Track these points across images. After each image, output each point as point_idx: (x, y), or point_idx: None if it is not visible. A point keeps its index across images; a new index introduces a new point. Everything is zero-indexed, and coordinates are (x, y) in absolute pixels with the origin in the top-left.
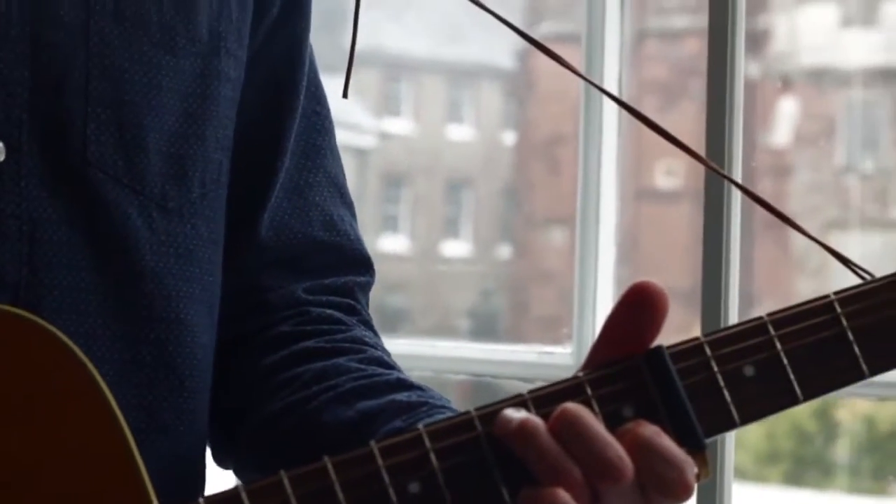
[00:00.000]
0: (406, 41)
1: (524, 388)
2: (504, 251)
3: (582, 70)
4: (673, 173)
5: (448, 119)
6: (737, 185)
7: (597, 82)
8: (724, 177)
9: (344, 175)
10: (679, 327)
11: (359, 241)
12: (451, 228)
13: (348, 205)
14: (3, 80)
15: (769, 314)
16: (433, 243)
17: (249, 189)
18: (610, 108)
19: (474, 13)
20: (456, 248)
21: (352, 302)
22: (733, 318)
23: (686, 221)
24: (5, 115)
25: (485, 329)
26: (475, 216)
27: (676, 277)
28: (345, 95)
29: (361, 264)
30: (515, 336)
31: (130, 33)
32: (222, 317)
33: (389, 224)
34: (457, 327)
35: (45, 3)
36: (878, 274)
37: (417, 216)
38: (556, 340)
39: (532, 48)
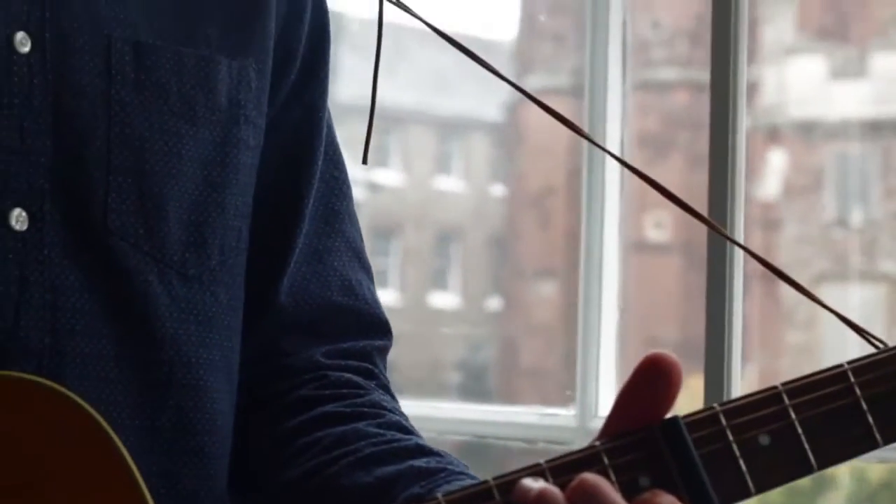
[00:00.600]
0: (395, 93)
1: (526, 448)
2: (493, 303)
3: (585, 124)
4: (662, 226)
5: (437, 170)
6: (742, 247)
7: (598, 136)
8: (729, 238)
9: (361, 238)
10: None
11: (377, 305)
12: (440, 280)
13: (366, 269)
14: (26, 149)
15: (783, 383)
16: (422, 295)
17: (269, 254)
18: (612, 161)
19: (463, 66)
20: (445, 299)
21: (370, 366)
22: (736, 373)
23: (675, 273)
24: (28, 185)
25: (474, 382)
26: (464, 268)
27: (667, 328)
28: (364, 161)
29: (379, 328)
30: (506, 390)
31: (151, 102)
32: (241, 381)
33: (379, 277)
34: (445, 380)
35: (67, 73)
36: (872, 328)
37: (407, 268)
38: (546, 395)
39: (521, 100)
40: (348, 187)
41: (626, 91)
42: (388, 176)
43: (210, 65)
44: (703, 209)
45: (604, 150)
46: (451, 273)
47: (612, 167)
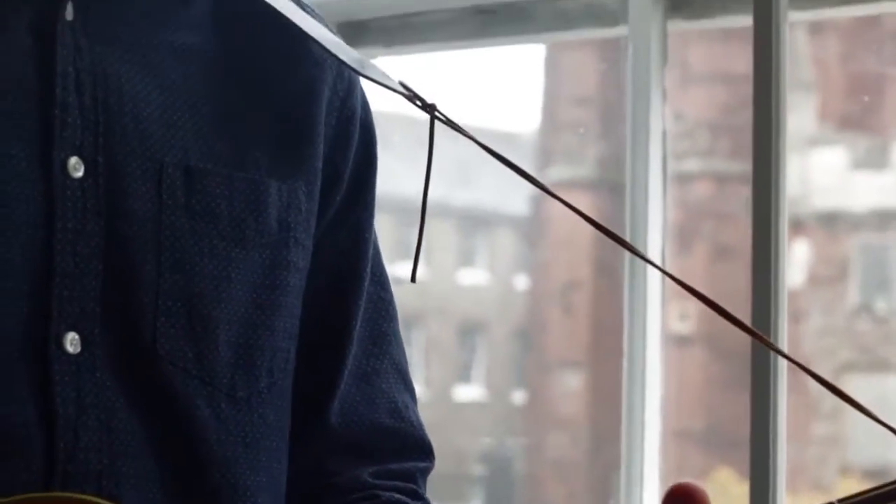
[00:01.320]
0: (418, 185)
1: None
2: (518, 396)
3: (627, 216)
4: (686, 317)
5: (460, 263)
6: (783, 355)
7: (638, 229)
8: (772, 347)
9: (406, 359)
10: (699, 469)
11: (420, 427)
12: (464, 373)
13: (410, 391)
14: (78, 273)
15: (839, 499)
16: (446, 388)
17: (318, 375)
18: (653, 251)
19: (487, 158)
20: (469, 392)
21: (414, 487)
22: (781, 478)
23: (700, 364)
24: (80, 308)
25: (500, 475)
26: (489, 360)
27: (693, 419)
28: (413, 280)
29: (423, 450)
30: (532, 483)
31: (201, 227)
32: (288, 499)
33: None
34: (470, 473)
35: (119, 197)
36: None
37: (430, 360)
38: (573, 488)
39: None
40: (394, 308)
41: (666, 184)
42: (409, 269)
43: (260, 188)
44: (732, 301)
45: (636, 252)
46: (475, 366)
47: (653, 255)
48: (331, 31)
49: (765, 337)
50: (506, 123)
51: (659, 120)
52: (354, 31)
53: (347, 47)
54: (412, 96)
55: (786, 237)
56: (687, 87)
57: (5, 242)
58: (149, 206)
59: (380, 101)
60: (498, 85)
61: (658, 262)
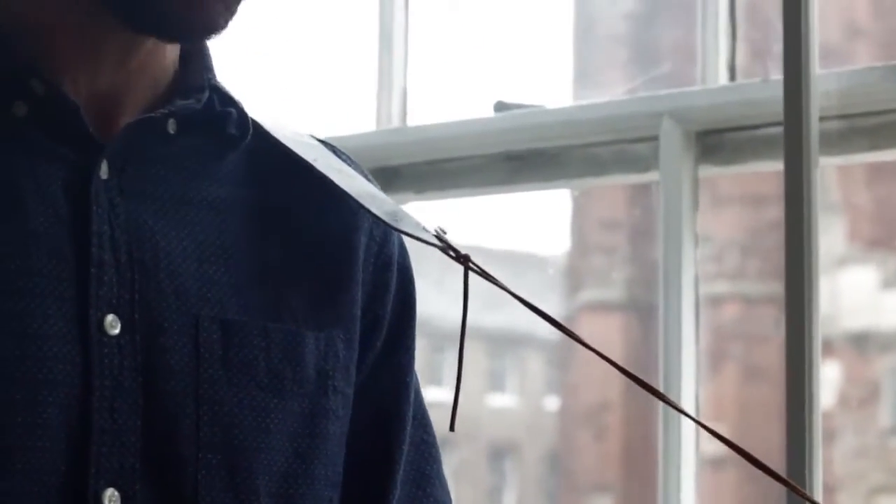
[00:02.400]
0: (446, 310)
1: None
2: None
3: (660, 341)
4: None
5: (490, 386)
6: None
7: (671, 353)
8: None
9: (450, 498)
10: None
11: None
12: (495, 497)
13: None
14: (117, 429)
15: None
16: None
17: None
18: (686, 373)
19: (515, 281)
20: None
21: None
22: None
23: (733, 486)
24: (119, 464)
25: None
26: (519, 484)
27: None
28: (451, 429)
29: None
30: None
31: (239, 379)
32: None
33: None
34: None
35: (156, 353)
36: None
37: (460, 485)
38: None
39: (574, 314)
40: (437, 450)
41: (699, 308)
42: (441, 394)
43: (297, 338)
44: (764, 421)
45: (665, 399)
46: (505, 490)
47: (687, 380)
48: (366, 177)
49: (798, 486)
50: (536, 246)
51: (691, 265)
52: (386, 177)
53: (383, 196)
54: (446, 247)
55: (819, 359)
56: (715, 210)
57: (42, 401)
58: (186, 360)
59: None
60: (529, 217)
61: (692, 386)
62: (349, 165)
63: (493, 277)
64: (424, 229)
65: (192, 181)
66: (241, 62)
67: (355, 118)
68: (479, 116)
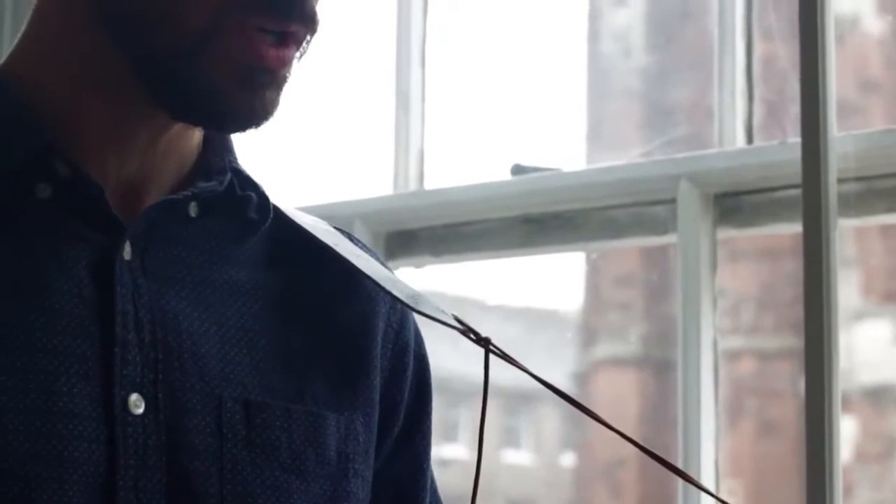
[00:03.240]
0: (461, 365)
1: None
2: None
3: (679, 397)
4: (735, 493)
5: (504, 443)
6: None
7: (690, 406)
8: None
9: None
10: None
11: None
12: None
13: None
14: None
15: None
16: None
17: None
18: (706, 424)
19: (530, 336)
20: None
21: None
22: None
23: None
24: None
25: None
26: None
27: None
28: None
29: None
30: None
31: (262, 460)
32: None
33: None
34: None
35: (180, 433)
36: None
37: None
38: None
39: (590, 369)
40: None
41: (718, 368)
42: (456, 451)
43: (319, 420)
44: (780, 476)
45: (688, 479)
46: None
47: (706, 437)
48: (382, 263)
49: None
50: (551, 302)
51: (710, 326)
52: (404, 241)
53: (401, 281)
54: (467, 330)
55: (839, 414)
56: (729, 264)
57: (67, 479)
58: (210, 440)
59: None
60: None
61: (713, 442)
62: (366, 252)
63: (512, 359)
64: (444, 312)
65: (213, 264)
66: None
67: (373, 181)
68: (496, 180)
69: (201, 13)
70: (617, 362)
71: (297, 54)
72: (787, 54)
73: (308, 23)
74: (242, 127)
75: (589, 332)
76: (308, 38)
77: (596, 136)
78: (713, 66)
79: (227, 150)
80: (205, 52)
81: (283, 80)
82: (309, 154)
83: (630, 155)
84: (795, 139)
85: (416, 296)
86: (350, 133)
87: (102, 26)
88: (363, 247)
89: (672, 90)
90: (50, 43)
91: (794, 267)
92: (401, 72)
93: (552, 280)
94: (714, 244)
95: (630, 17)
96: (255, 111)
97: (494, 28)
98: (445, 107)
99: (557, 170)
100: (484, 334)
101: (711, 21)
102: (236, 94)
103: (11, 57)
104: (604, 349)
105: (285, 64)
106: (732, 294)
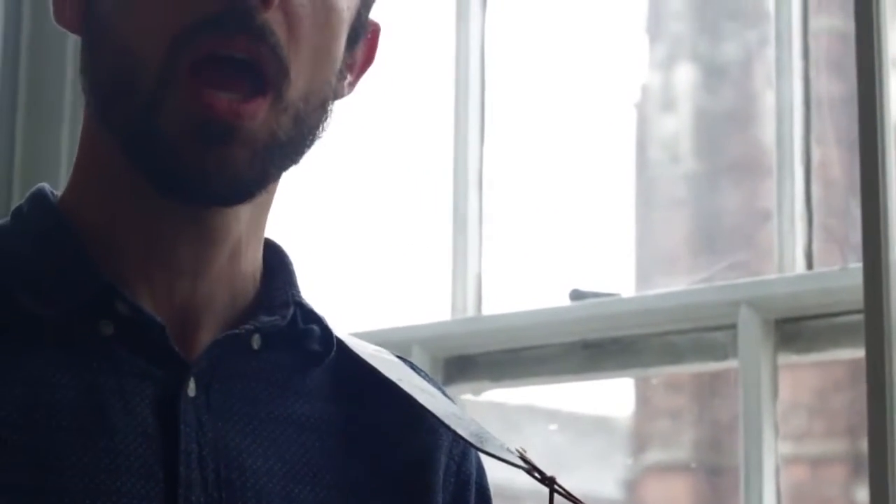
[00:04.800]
0: (511, 472)
1: None
2: None
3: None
4: None
5: None
6: None
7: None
8: None
9: None
10: None
11: None
12: None
13: None
14: None
15: None
16: None
17: None
18: None
19: (579, 442)
20: None
21: None
22: None
23: None
24: None
25: None
26: None
27: None
28: None
29: None
30: None
31: None
32: None
33: None
34: None
35: None
36: None
37: None
38: None
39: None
40: None
41: (779, 473)
42: None
43: None
44: None
45: None
46: None
47: None
48: (445, 393)
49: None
50: (601, 408)
51: (772, 457)
52: (463, 366)
53: (467, 417)
54: (531, 469)
55: None
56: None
57: None
58: None
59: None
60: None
61: None
62: (429, 383)
63: (577, 499)
64: (508, 450)
65: (277, 398)
66: (316, 249)
67: (431, 306)
68: (554, 305)
69: (152, 63)
70: (668, 468)
71: (267, 104)
72: (846, 180)
73: (259, 36)
74: (214, 191)
75: (639, 438)
76: (282, 86)
77: (647, 255)
78: (773, 196)
79: (291, 284)
80: (159, 109)
81: (246, 136)
82: (367, 279)
83: (681, 270)
84: (856, 264)
85: (480, 433)
86: (408, 258)
87: (111, 137)
88: (426, 377)
89: (722, 199)
90: (85, 174)
91: (844, 374)
92: (458, 196)
93: (604, 391)
94: (775, 370)
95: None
96: (208, 169)
97: (549, 150)
98: (503, 231)
99: (616, 295)
100: (533, 440)
101: (762, 132)
102: (196, 151)
103: (65, 191)
104: (654, 455)
105: (241, 116)
106: (784, 400)
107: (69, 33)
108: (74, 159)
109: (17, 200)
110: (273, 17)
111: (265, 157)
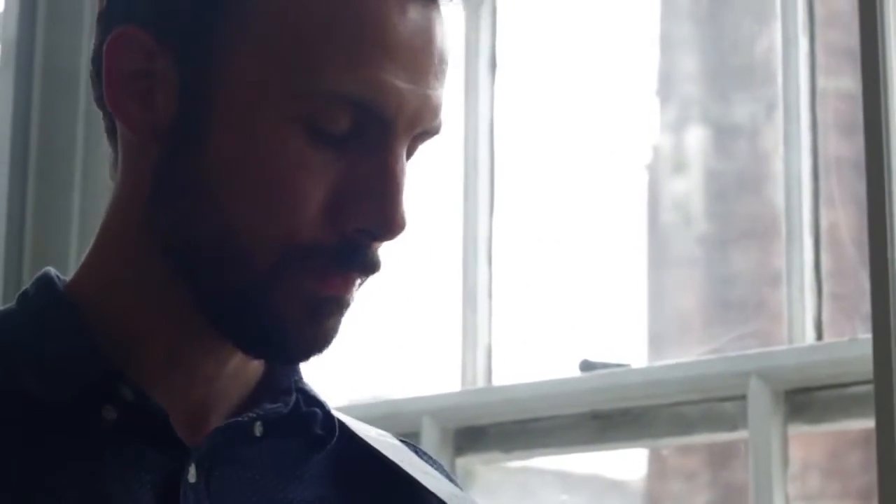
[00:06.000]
0: None
1: None
2: None
3: None
4: None
5: None
6: None
7: None
8: None
9: None
10: None
11: None
12: None
13: None
14: None
15: None
16: None
17: None
18: None
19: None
20: None
21: None
22: None
23: None
24: None
25: None
26: None
27: None
28: None
29: None
30: None
31: None
32: None
33: None
34: None
35: None
36: None
37: None
38: None
39: None
40: None
41: None
42: None
43: None
44: None
45: None
46: None
47: None
48: (449, 477)
49: None
50: (614, 471)
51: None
52: (473, 437)
53: (469, 498)
54: None
55: None
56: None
57: None
58: None
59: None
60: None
61: None
62: (432, 465)
63: None
64: None
65: (277, 484)
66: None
67: (440, 378)
68: (564, 376)
69: (267, 258)
70: None
71: (359, 280)
72: (855, 246)
73: (370, 273)
74: (305, 357)
75: (653, 500)
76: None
77: (659, 319)
78: (782, 265)
79: (294, 370)
80: (272, 287)
81: (346, 306)
82: (378, 350)
83: (692, 339)
84: (866, 335)
85: None
86: (418, 330)
87: (164, 257)
88: (429, 460)
89: (734, 261)
90: (112, 268)
91: (857, 436)
92: (467, 269)
93: (616, 459)
94: (785, 440)
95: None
96: (318, 340)
97: (560, 217)
98: (513, 302)
99: (626, 366)
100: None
101: (774, 193)
102: (304, 326)
103: (78, 276)
104: None
105: (350, 290)
106: (797, 461)
107: (79, 102)
108: (95, 243)
109: (27, 276)
110: None
111: (344, 320)
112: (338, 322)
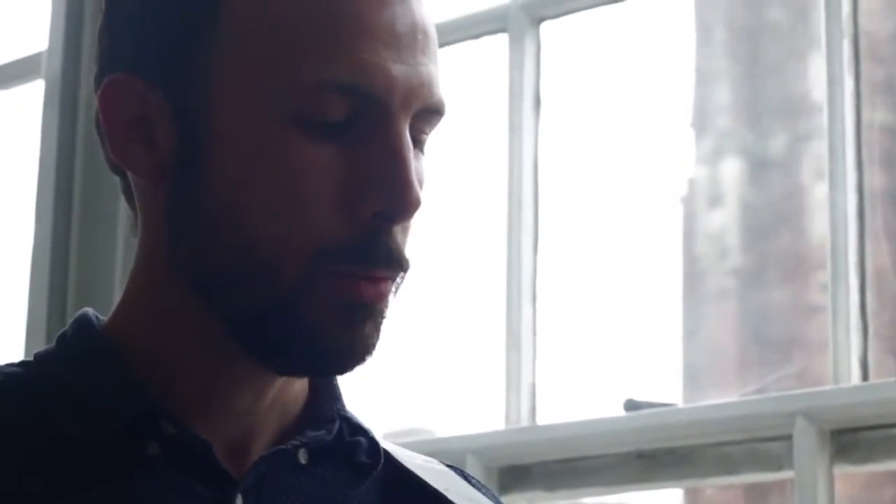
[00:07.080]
0: None
1: None
2: None
3: None
4: None
5: None
6: None
7: None
8: None
9: None
10: None
11: None
12: None
13: None
14: None
15: None
16: None
17: None
18: None
19: None
20: None
21: None
22: None
23: None
24: None
25: None
26: None
27: None
28: None
29: None
30: None
31: None
32: None
33: None
34: None
35: None
36: None
37: None
38: None
39: None
40: None
41: None
42: None
43: None
44: None
45: None
46: None
47: None
48: (497, 501)
49: None
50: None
51: None
52: (517, 476)
53: None
54: None
55: None
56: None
57: None
58: None
59: None
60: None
61: None
62: (480, 491)
63: None
64: None
65: None
66: (373, 363)
67: (485, 417)
68: (609, 416)
69: (293, 268)
70: None
71: (393, 289)
72: None
73: (396, 268)
74: (345, 367)
75: None
76: (401, 275)
77: (697, 354)
78: (828, 309)
79: (336, 398)
80: (301, 300)
81: (381, 314)
82: (423, 389)
83: (731, 379)
84: None
85: None
86: (462, 369)
87: (190, 290)
88: (477, 484)
89: (771, 294)
90: (143, 308)
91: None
92: (511, 309)
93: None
94: (831, 480)
95: (725, 219)
96: (356, 348)
97: (601, 258)
98: (556, 341)
99: (672, 405)
100: None
101: (811, 226)
102: (338, 336)
103: (114, 316)
104: None
105: (382, 297)
106: (838, 494)
107: None
108: (128, 284)
109: (70, 313)
110: None
111: (381, 329)
112: (374, 330)
